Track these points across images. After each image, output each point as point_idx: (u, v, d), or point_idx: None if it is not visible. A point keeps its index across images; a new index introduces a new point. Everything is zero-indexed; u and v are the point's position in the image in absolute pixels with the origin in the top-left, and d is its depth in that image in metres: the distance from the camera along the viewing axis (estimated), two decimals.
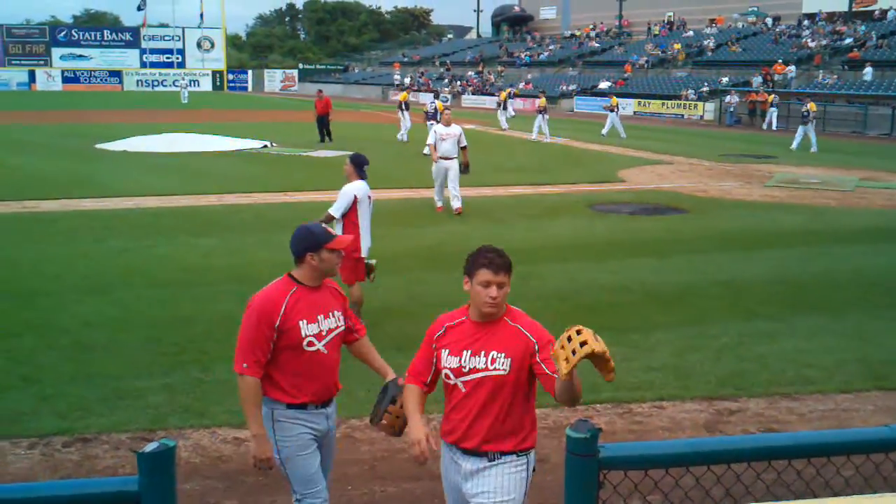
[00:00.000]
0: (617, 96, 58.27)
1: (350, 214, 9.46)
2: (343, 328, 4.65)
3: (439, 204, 17.53)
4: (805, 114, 33.54)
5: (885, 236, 15.46)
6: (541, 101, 37.28)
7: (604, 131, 38.24)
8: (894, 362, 8.61)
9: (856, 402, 7.64)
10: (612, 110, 38.55)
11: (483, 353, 3.96)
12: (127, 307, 10.20)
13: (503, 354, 3.96)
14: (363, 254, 9.61)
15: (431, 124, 36.28)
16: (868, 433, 2.77)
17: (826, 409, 7.46)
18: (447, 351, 4.04)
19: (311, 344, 4.44)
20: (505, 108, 43.95)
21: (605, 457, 2.54)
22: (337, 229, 9.46)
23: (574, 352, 3.13)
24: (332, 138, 33.20)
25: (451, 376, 4.02)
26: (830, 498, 2.56)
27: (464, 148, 17.11)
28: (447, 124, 17.19)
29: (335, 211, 9.41)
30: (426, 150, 16.41)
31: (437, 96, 41.41)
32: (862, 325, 9.91)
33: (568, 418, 6.96)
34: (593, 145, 33.62)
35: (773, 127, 44.57)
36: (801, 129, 33.40)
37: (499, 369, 3.94)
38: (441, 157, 16.96)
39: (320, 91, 36.35)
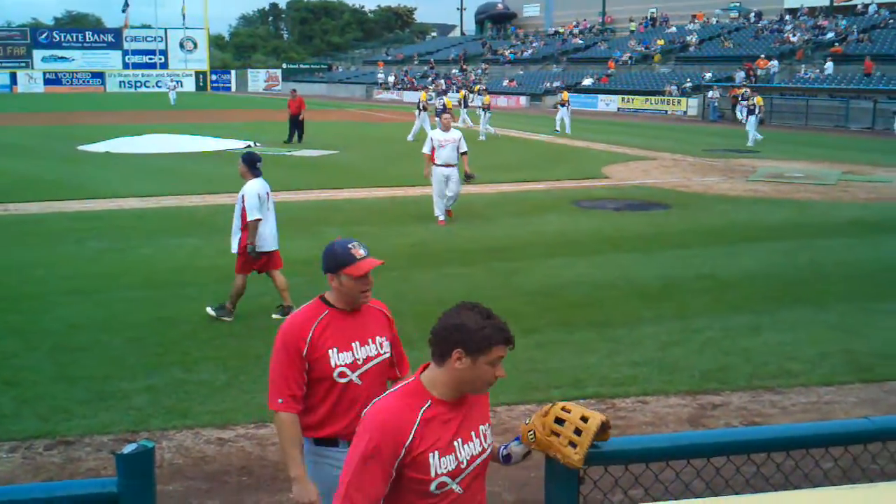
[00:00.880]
0: (602, 93, 58.54)
1: (245, 214, 9.61)
2: (387, 356, 4.10)
3: (441, 217, 15.79)
4: (752, 108, 33.97)
5: (869, 229, 15.54)
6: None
7: (557, 127, 38.26)
8: (878, 354, 8.65)
9: (838, 394, 7.67)
10: (563, 105, 38.64)
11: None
12: (110, 308, 10.14)
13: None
14: (272, 246, 9.88)
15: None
16: (845, 425, 2.79)
17: (809, 402, 7.49)
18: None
19: (342, 375, 3.93)
20: (466, 106, 43.03)
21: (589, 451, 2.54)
22: (234, 229, 9.81)
23: (578, 431, 2.67)
24: (302, 139, 32.60)
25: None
26: (808, 489, 2.57)
27: (464, 154, 15.69)
28: (446, 128, 15.65)
29: (252, 213, 9.53)
30: (426, 149, 15.44)
31: (444, 93, 40.77)
32: (846, 317, 9.95)
33: None
34: (577, 142, 33.69)
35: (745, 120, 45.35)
36: (750, 123, 33.89)
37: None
38: (440, 165, 15.39)
39: (294, 91, 36.01)
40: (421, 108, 35.62)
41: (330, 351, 3.90)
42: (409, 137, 34.05)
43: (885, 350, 8.76)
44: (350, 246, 3.95)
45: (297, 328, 3.91)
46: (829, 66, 48.61)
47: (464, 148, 15.65)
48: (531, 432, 2.71)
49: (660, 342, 9.02)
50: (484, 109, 36.36)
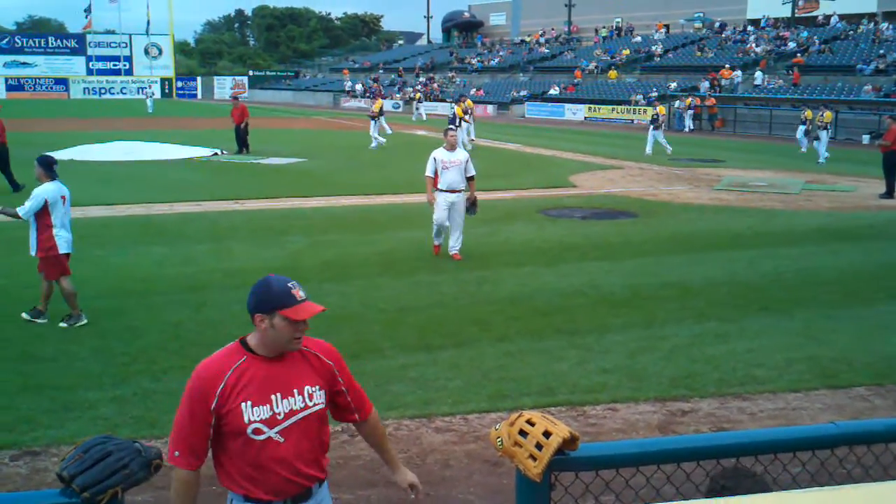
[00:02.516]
0: (568, 102, 58.86)
1: (43, 216, 9.69)
2: (317, 409, 3.56)
3: (437, 242, 13.86)
4: (654, 117, 34.00)
5: (832, 237, 15.77)
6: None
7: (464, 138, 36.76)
8: (843, 360, 8.77)
9: (805, 400, 7.77)
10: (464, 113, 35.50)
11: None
12: None
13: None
14: (67, 249, 9.94)
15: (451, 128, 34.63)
16: (812, 430, 2.83)
17: (776, 408, 7.58)
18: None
19: (257, 432, 3.42)
20: (418, 109, 42.17)
21: (555, 459, 2.56)
22: (31, 232, 9.85)
23: (539, 446, 2.66)
24: (248, 149, 31.44)
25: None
26: (776, 493, 2.61)
27: (471, 178, 13.53)
28: (451, 148, 13.43)
29: (22, 212, 9.63)
30: (373, 145, 14.76)
31: (458, 100, 39.30)
32: (811, 324, 10.09)
33: None
34: (544, 150, 33.84)
35: (689, 128, 47.95)
36: (650, 134, 33.28)
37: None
38: (444, 191, 13.27)
39: (235, 98, 34.61)
40: (458, 121, 33.60)
41: (243, 404, 3.40)
42: (373, 146, 33.62)
43: (849, 356, 8.89)
44: (290, 285, 3.47)
45: (209, 378, 3.44)
46: (759, 75, 51.09)
47: (471, 171, 13.50)
48: (499, 439, 2.73)
49: (628, 349, 9.09)
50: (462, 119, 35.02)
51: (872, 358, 8.87)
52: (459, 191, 13.35)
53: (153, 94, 70.39)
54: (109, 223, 16.65)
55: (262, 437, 3.44)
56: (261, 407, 3.43)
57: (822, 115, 31.64)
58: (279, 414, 3.46)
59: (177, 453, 3.50)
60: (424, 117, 55.28)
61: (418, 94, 63.22)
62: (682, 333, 9.67)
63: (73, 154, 29.24)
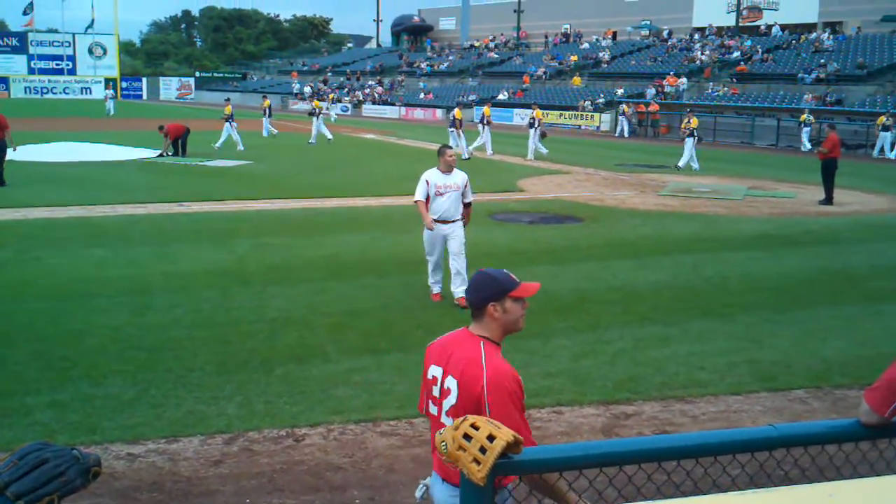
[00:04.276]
0: (517, 107, 59.23)
1: None
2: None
3: (436, 290, 11.42)
4: (531, 121, 33.38)
5: (773, 242, 16.04)
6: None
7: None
8: (782, 363, 8.92)
9: (746, 403, 7.88)
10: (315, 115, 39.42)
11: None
12: (12, 320, 9.80)
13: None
14: None
15: (452, 131, 33.05)
16: (750, 433, 2.87)
17: (717, 410, 7.68)
18: None
19: None
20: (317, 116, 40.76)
21: (499, 462, 2.56)
22: None
23: (483, 450, 2.64)
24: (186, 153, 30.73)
25: None
26: (715, 495, 2.64)
27: (468, 205, 11.54)
28: (448, 169, 11.27)
29: None
30: (419, 195, 11.29)
31: (459, 105, 38.70)
32: (751, 328, 10.25)
33: None
34: (494, 156, 33.94)
35: (626, 134, 49.54)
36: (532, 137, 33.01)
37: None
38: (438, 221, 11.16)
39: (161, 127, 31.27)
40: (316, 113, 38.16)
41: None
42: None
43: (788, 360, 9.06)
44: (505, 271, 3.85)
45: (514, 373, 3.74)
46: (684, 81, 53.29)
47: (469, 197, 11.53)
48: (444, 443, 2.73)
49: (573, 353, 9.15)
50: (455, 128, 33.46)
51: (811, 361, 9.04)
52: (454, 221, 11.22)
53: (113, 95, 67.26)
54: (50, 225, 16.32)
55: None
56: None
57: (688, 122, 30.98)
58: None
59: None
60: (333, 118, 56.60)
61: (332, 96, 68.13)
62: (626, 337, 9.76)
63: (11, 155, 28.61)
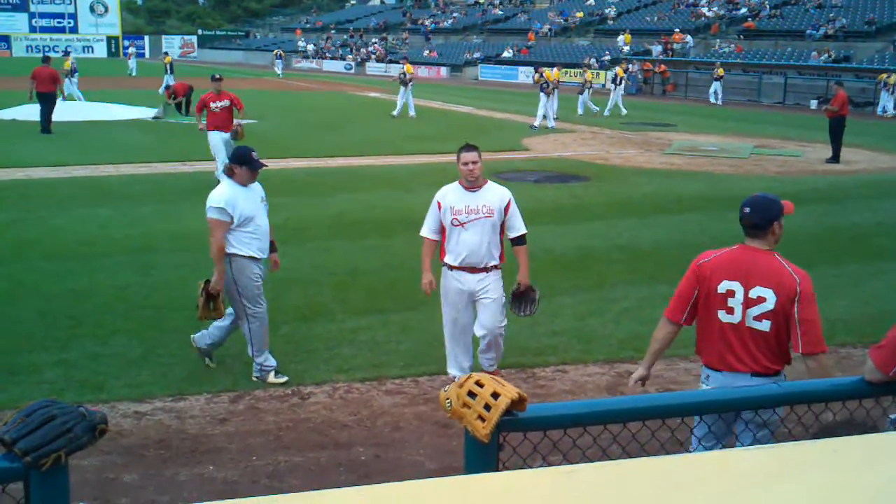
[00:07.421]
0: (522, 64, 58.72)
1: None
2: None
3: (452, 372, 7.23)
4: (544, 84, 30.52)
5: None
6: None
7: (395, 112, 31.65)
8: None
9: None
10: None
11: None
12: (18, 280, 9.84)
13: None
14: None
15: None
16: (755, 390, 2.88)
17: None
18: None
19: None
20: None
21: (504, 420, 2.57)
22: None
23: (488, 407, 2.65)
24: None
25: None
26: (720, 451, 2.65)
27: (519, 241, 7.40)
28: (472, 182, 7.14)
29: None
30: (426, 231, 7.33)
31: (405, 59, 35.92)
32: None
33: None
34: (497, 113, 33.77)
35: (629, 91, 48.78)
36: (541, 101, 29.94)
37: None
38: (456, 268, 7.16)
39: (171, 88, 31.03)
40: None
41: None
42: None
43: None
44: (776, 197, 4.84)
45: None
46: (689, 38, 52.38)
47: (520, 228, 7.38)
48: (448, 401, 2.74)
49: (578, 312, 9.16)
50: (403, 84, 31.31)
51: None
52: (486, 269, 7.20)
53: (136, 54, 62.90)
54: (53, 184, 16.31)
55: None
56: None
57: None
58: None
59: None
60: (280, 75, 58.74)
61: (279, 51, 68.46)
62: (631, 296, 9.77)
63: (15, 114, 28.55)
